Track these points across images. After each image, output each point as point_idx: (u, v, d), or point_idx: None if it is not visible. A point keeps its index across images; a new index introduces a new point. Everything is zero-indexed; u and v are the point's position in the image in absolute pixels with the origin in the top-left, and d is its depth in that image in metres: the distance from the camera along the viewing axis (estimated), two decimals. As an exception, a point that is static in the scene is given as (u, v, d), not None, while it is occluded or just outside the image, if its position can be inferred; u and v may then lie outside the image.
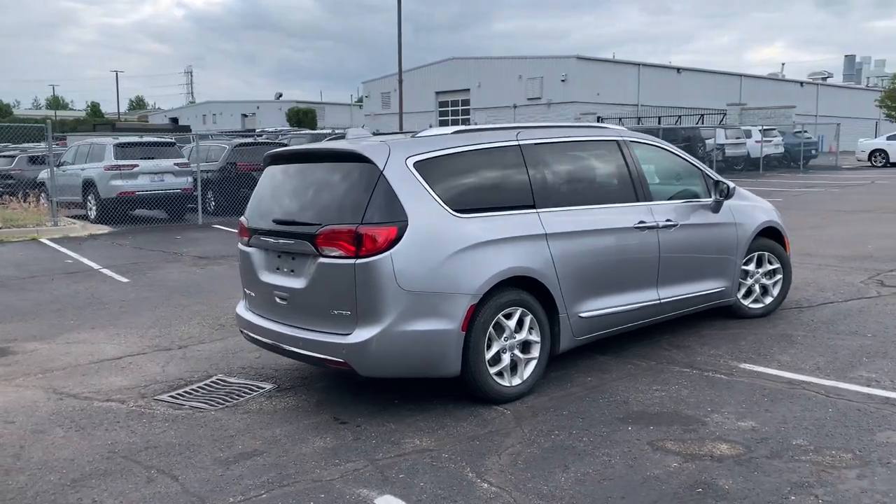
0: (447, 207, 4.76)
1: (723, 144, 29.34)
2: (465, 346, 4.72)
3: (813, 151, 34.36)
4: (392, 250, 4.49)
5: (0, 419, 5.04)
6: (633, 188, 5.89)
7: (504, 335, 4.94)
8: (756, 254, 6.88)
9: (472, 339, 4.73)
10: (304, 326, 4.85)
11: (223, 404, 5.24)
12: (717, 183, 6.48)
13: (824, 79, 68.47)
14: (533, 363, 5.09)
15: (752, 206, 6.89)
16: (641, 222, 5.75)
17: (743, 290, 6.88)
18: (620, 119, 41.07)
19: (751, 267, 6.90)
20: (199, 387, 5.68)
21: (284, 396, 5.33)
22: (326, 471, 4.05)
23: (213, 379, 5.83)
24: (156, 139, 18.20)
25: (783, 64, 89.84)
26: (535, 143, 5.44)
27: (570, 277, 5.23)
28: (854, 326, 6.54)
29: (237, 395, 5.44)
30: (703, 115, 39.39)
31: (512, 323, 4.96)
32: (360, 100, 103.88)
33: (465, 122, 52.22)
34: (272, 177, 5.42)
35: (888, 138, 34.48)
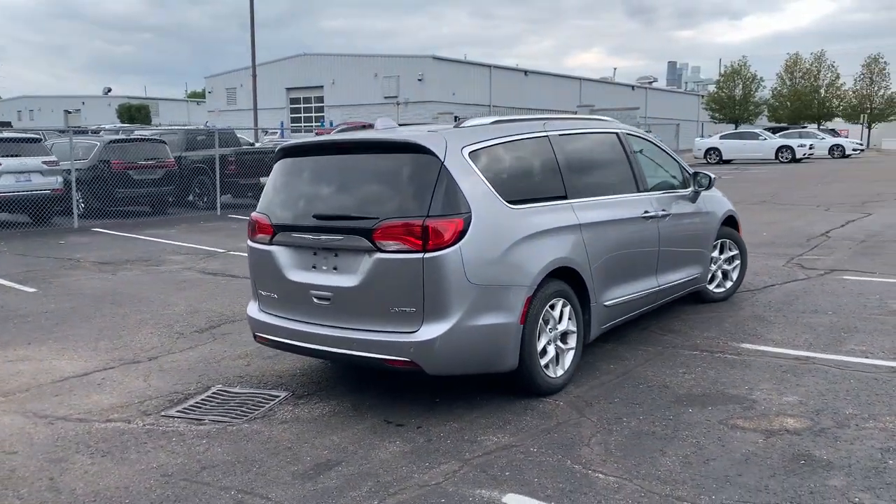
0: (501, 198, 4.68)
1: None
2: (522, 339, 4.66)
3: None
4: (460, 243, 4.35)
5: (0, 450, 4.38)
6: (635, 179, 6.08)
7: (549, 326, 4.93)
8: (719, 241, 7.31)
9: (527, 332, 4.68)
10: (355, 327, 4.58)
11: (246, 416, 4.84)
12: (695, 174, 6.82)
13: (650, 83, 73.64)
14: (571, 353, 5.12)
15: (716, 196, 7.31)
16: (646, 212, 5.94)
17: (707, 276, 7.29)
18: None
19: (715, 253, 7.31)
20: (202, 400, 5.21)
21: (310, 403, 5.01)
22: (425, 474, 3.86)
23: (214, 390, 5.38)
24: (20, 135, 16.44)
25: (615, 69, 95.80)
26: (560, 135, 5.47)
27: (599, 267, 5.31)
28: (810, 306, 7.11)
29: (254, 406, 5.05)
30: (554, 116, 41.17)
31: (556, 314, 4.96)
32: (193, 95, 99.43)
33: (319, 119, 51.40)
34: (297, 169, 5.07)
35: (721, 137, 37.77)
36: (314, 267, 4.80)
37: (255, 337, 5.28)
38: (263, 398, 5.20)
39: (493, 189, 4.64)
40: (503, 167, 4.87)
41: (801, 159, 35.23)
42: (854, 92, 54.06)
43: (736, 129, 45.14)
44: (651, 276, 6.05)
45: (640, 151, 6.53)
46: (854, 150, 39.85)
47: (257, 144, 24.45)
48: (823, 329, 6.27)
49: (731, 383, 5.05)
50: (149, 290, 8.92)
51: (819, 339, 6.00)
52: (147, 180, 16.81)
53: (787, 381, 5.05)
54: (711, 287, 7.32)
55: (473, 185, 4.53)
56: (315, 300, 4.75)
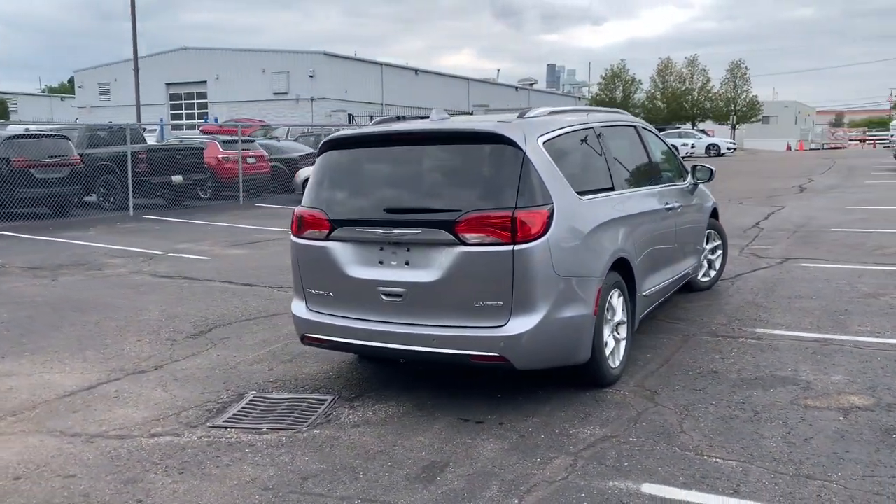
0: (572, 188, 4.65)
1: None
2: (595, 331, 4.66)
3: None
4: (547, 234, 4.29)
5: (50, 474, 3.91)
6: (654, 172, 6.21)
7: (608, 317, 4.95)
8: (707, 231, 7.60)
9: (598, 323, 4.68)
10: (434, 323, 4.42)
11: (304, 422, 4.57)
12: (694, 167, 7.05)
13: (531, 84, 75.67)
14: (623, 343, 5.16)
15: (704, 189, 7.59)
16: (667, 204, 6.09)
17: (695, 266, 7.56)
18: (372, 117, 41.76)
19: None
20: (244, 408, 4.88)
21: (367, 406, 4.79)
22: (544, 470, 3.78)
23: (251, 398, 5.05)
24: None
25: (498, 70, 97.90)
26: (602, 126, 5.50)
27: (641, 257, 5.39)
28: (791, 292, 7.51)
29: (305, 412, 4.77)
30: (452, 115, 41.48)
31: (615, 304, 4.99)
32: (51, 90, 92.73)
33: (202, 115, 49.37)
34: (353, 162, 4.84)
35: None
36: (381, 263, 4.59)
37: (302, 338, 4.99)
38: (311, 403, 4.93)
39: (565, 179, 4.61)
40: (569, 158, 4.85)
41: (683, 157, 37.25)
42: (720, 94, 57.68)
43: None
44: (670, 266, 6.21)
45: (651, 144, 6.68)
46: (728, 148, 42.62)
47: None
48: (820, 313, 6.64)
49: (773, 366, 5.25)
50: (108, 295, 8.26)
51: (822, 322, 6.35)
52: (51, 179, 15.57)
53: (821, 362, 5.31)
54: (699, 276, 7.60)
55: (552, 175, 4.48)
56: (383, 297, 4.54)
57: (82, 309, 7.62)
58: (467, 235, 4.29)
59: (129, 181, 16.38)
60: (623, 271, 5.13)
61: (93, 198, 17.56)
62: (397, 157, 4.75)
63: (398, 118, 5.72)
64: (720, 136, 51.16)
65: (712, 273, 7.79)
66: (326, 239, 4.75)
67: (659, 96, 58.50)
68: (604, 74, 56.07)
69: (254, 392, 5.18)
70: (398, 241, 4.49)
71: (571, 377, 4.88)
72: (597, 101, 55.02)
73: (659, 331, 6.24)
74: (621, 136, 5.95)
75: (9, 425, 4.65)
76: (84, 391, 5.26)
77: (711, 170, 7.07)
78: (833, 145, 63.76)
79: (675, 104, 54.52)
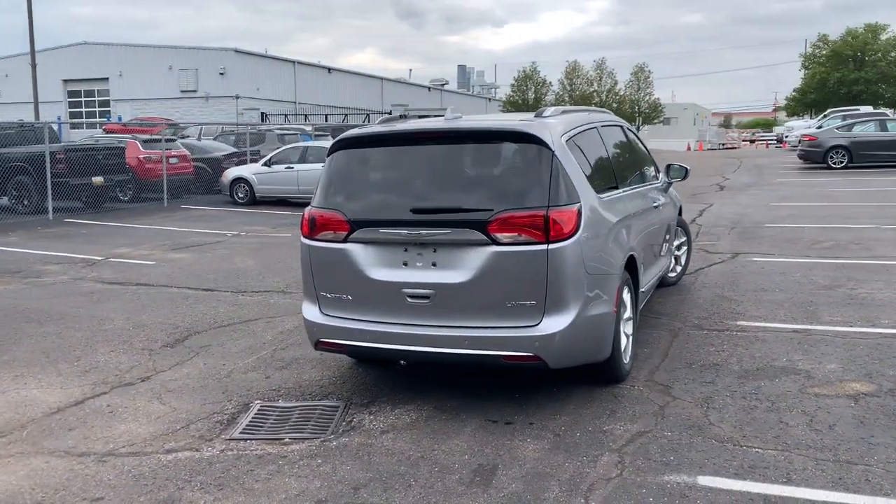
0: (592, 187, 4.69)
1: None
2: (615, 328, 4.72)
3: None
4: (578, 233, 4.31)
5: (74, 498, 3.64)
6: (641, 170, 6.35)
7: (622, 314, 5.02)
8: (674, 228, 7.83)
9: (617, 320, 4.75)
10: (464, 324, 4.36)
11: (326, 430, 4.44)
12: (668, 166, 7.24)
13: (443, 85, 76.05)
14: (630, 339, 5.25)
15: (672, 188, 7.81)
16: (655, 202, 6.24)
17: (663, 262, 7.78)
18: (286, 116, 40.95)
19: (670, 241, 7.82)
20: (255, 418, 4.70)
21: (387, 411, 4.69)
22: (595, 468, 3.79)
23: (259, 408, 4.86)
24: None
25: (410, 70, 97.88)
26: (602, 125, 5.57)
27: (641, 255, 5.50)
28: (754, 285, 7.83)
29: (322, 419, 4.64)
30: (368, 115, 41.19)
31: (626, 301, 5.07)
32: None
33: (104, 114, 47.15)
34: (371, 161, 4.73)
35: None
36: (405, 264, 4.49)
37: (316, 344, 4.83)
38: (324, 410, 4.78)
39: (586, 178, 4.65)
40: (585, 157, 4.89)
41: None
42: (625, 97, 59.58)
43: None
44: (657, 262, 6.37)
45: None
46: (638, 148, 44.04)
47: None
48: (789, 305, 6.95)
49: (768, 357, 5.46)
50: (60, 304, 7.77)
51: (795, 313, 6.65)
52: (-40, 181, 14.49)
53: (810, 351, 5.56)
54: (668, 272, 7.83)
55: (577, 174, 4.51)
56: (409, 299, 4.45)
57: (37, 320, 7.13)
58: (500, 235, 4.26)
59: (49, 183, 15.44)
60: (629, 268, 5.22)
61: (4, 200, 16.46)
62: (420, 157, 4.66)
63: (401, 116, 5.61)
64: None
65: (678, 268, 8.03)
66: (345, 241, 4.61)
67: (567, 98, 59.84)
68: (516, 76, 57.01)
69: (259, 401, 4.98)
70: (424, 241, 4.41)
71: (587, 375, 4.92)
72: (510, 103, 55.80)
73: (645, 326, 6.37)
74: (615, 135, 6.05)
75: (2, 447, 4.30)
76: (73, 407, 4.93)
77: (686, 169, 7.29)
78: (729, 145, 66.87)
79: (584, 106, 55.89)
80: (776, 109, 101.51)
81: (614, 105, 56.40)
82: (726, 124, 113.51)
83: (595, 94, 57.40)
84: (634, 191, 5.79)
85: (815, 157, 23.87)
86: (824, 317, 6.49)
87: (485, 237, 4.28)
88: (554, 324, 4.27)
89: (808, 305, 6.90)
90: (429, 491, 3.62)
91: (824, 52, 51.77)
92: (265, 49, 50.22)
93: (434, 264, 4.43)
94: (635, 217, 5.47)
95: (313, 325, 4.79)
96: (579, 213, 4.34)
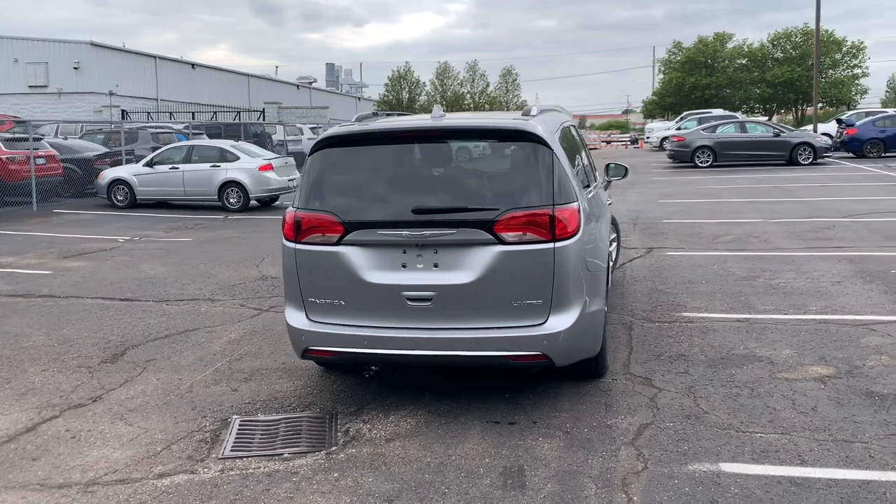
0: (579, 185, 4.73)
1: (284, 140, 30.47)
2: (604, 323, 4.80)
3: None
4: (580, 231, 4.34)
5: (79, 536, 3.26)
6: (592, 169, 6.49)
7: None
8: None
9: (605, 315, 4.83)
10: (468, 326, 4.29)
11: (324, 443, 4.25)
12: (607, 165, 7.45)
13: (311, 83, 74.79)
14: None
15: None
16: (608, 199, 6.40)
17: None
18: (149, 114, 38.83)
19: (603, 237, 8.06)
20: (241, 434, 4.43)
21: (378, 418, 4.54)
22: (618, 462, 3.84)
23: (239, 422, 4.59)
24: None
25: (277, 67, 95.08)
26: (569, 124, 5.64)
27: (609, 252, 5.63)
28: (679, 278, 8.21)
29: (314, 431, 4.44)
30: (239, 113, 39.86)
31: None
32: None
33: (-62, 111, 42.77)
34: (363, 160, 4.54)
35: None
36: (404, 266, 4.36)
37: (303, 352, 4.59)
38: (311, 421, 4.57)
39: (575, 176, 4.69)
40: (567, 155, 4.93)
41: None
42: (495, 98, 61.13)
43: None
44: (611, 257, 6.53)
45: None
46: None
47: None
48: (721, 296, 7.34)
49: (726, 346, 5.73)
50: (-41, 320, 6.96)
51: (731, 304, 7.02)
52: None
53: (762, 339, 5.89)
54: (601, 268, 8.06)
55: (571, 172, 4.54)
56: (409, 302, 4.32)
57: (-61, 339, 6.37)
58: (506, 234, 4.22)
59: None
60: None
61: None
62: (414, 156, 4.53)
63: (374, 115, 5.44)
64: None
65: (610, 263, 8.29)
66: (338, 243, 4.41)
67: (439, 99, 60.57)
68: (390, 76, 57.08)
69: (237, 416, 4.69)
70: (426, 242, 4.30)
71: (571, 371, 4.96)
72: (384, 103, 55.70)
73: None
74: (577, 134, 6.15)
75: (-40, 485, 3.80)
76: (26, 434, 4.44)
77: (626, 168, 7.53)
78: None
79: (458, 107, 56.87)
80: (626, 112, 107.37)
81: (486, 106, 57.65)
82: (582, 126, 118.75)
83: (469, 94, 58.42)
84: (597, 189, 5.92)
85: (684, 156, 25.41)
86: (758, 306, 6.91)
87: (491, 237, 4.22)
88: (560, 322, 4.28)
89: (739, 296, 7.31)
90: (466, 497, 3.53)
91: (679, 59, 55.33)
92: (123, 43, 47.38)
93: (436, 265, 4.33)
94: (603, 214, 5.60)
95: (301, 333, 4.55)
96: (579, 211, 4.37)
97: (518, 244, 4.23)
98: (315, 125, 35.39)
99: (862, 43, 51.89)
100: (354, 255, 4.39)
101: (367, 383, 5.13)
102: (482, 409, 4.61)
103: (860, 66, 51.18)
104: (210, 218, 15.00)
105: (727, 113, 38.85)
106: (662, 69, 57.31)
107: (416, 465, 3.89)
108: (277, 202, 17.32)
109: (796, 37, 51.19)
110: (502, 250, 4.23)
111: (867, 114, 31.10)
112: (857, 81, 51.80)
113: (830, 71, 50.14)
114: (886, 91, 73.36)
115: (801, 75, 48.51)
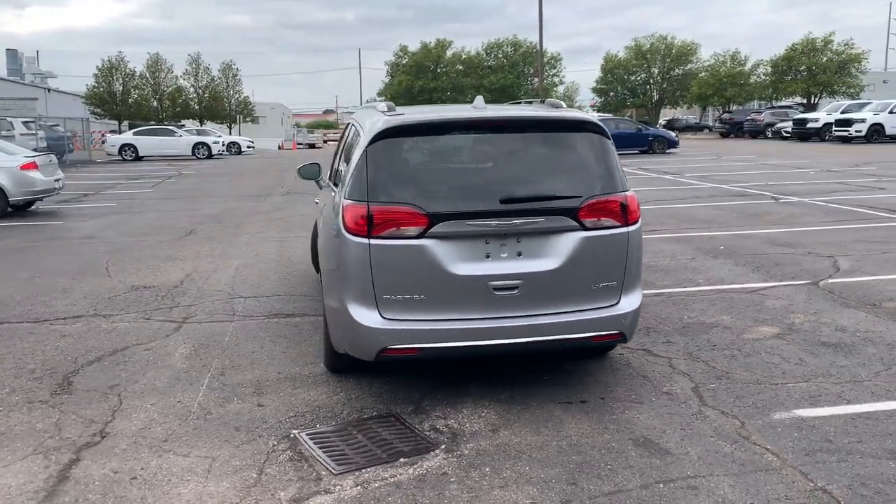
0: None
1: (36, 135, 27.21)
2: None
3: (70, 146, 33.69)
4: (640, 216, 4.66)
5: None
6: None
7: None
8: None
9: None
10: (552, 311, 4.40)
11: (428, 445, 4.11)
12: None
13: (-12, 71, 65.11)
14: None
15: None
16: None
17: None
18: None
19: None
20: (326, 450, 4.10)
21: (450, 415, 4.48)
22: (717, 422, 4.25)
23: (308, 438, 4.24)
24: None
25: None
26: None
27: None
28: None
29: (400, 435, 4.25)
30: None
31: None
32: None
33: None
34: (435, 151, 4.40)
35: (135, 134, 36.93)
36: (488, 256, 4.33)
37: (378, 353, 4.32)
38: (382, 425, 4.36)
39: None
40: None
41: (215, 155, 37.13)
42: (220, 93, 58.28)
43: (131, 127, 44.08)
44: None
45: None
46: (248, 146, 43.60)
47: None
48: (645, 273, 8.10)
49: (674, 318, 6.41)
50: None
51: (667, 279, 7.69)
52: None
53: (693, 309, 6.68)
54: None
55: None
56: (496, 292, 4.31)
57: None
58: (588, 220, 4.41)
59: None
60: None
61: None
62: (484, 146, 4.49)
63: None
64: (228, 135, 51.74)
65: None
66: (421, 236, 4.24)
67: (151, 92, 56.21)
68: (100, 66, 51.46)
69: (295, 431, 4.29)
70: (510, 232, 4.32)
71: (583, 349, 5.24)
72: (95, 95, 50.36)
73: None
74: None
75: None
76: (62, 484, 3.69)
77: None
78: (318, 145, 69.97)
79: (168, 103, 53.16)
80: (326, 112, 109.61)
81: (212, 102, 54.89)
82: (299, 125, 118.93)
83: (193, 88, 55.08)
84: None
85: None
86: (657, 282, 7.77)
87: (575, 223, 4.38)
88: (630, 301, 4.58)
89: (654, 272, 8.11)
90: (634, 469, 3.70)
91: (406, 62, 57.73)
92: None
93: (519, 254, 4.37)
94: None
95: (378, 333, 4.29)
96: (636, 198, 4.70)
97: (598, 229, 4.44)
98: (29, 119, 31.17)
99: (559, 54, 58.71)
100: (438, 248, 4.27)
101: (395, 382, 4.96)
102: (541, 394, 4.74)
103: (558, 76, 57.91)
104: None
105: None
106: (390, 71, 59.38)
107: (552, 449, 3.95)
108: (33, 206, 15.15)
109: (507, 47, 56.34)
110: (585, 236, 4.42)
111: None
112: (555, 88, 58.47)
113: (536, 79, 55.94)
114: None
115: (513, 82, 53.55)
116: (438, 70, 56.37)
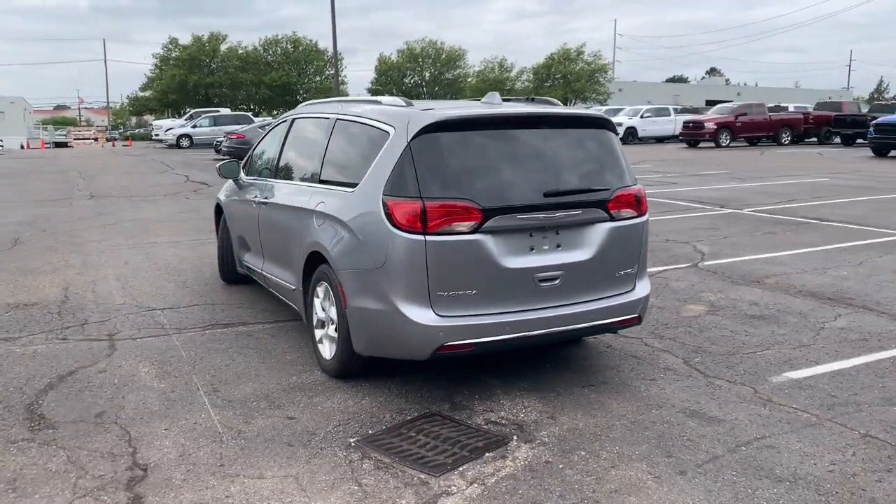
0: None
1: None
2: None
3: None
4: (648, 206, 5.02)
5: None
6: None
7: None
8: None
9: None
10: (585, 299, 4.62)
11: (498, 440, 4.15)
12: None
13: None
14: None
15: None
16: None
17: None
18: None
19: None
20: (396, 454, 3.99)
21: (503, 407, 4.54)
22: (732, 389, 4.72)
23: (374, 444, 4.08)
24: None
25: None
26: None
27: None
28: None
29: (461, 433, 4.24)
30: None
31: None
32: None
33: None
34: (480, 146, 4.39)
35: None
36: (532, 249, 4.44)
37: (435, 351, 4.24)
38: (437, 424, 4.31)
39: None
40: None
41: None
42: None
43: None
44: None
45: None
46: (-3, 146, 38.52)
47: None
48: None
49: (609, 302, 6.93)
50: None
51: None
52: None
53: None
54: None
55: None
56: (542, 283, 4.43)
57: None
58: (615, 212, 4.67)
59: None
60: None
61: None
62: (519, 141, 4.54)
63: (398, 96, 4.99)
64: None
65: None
66: (475, 231, 4.23)
67: None
68: None
69: (352, 439, 4.10)
70: (550, 224, 4.46)
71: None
72: None
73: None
74: None
75: None
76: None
77: None
78: (70, 144, 63.66)
79: None
80: (58, 108, 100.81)
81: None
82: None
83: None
84: None
85: (243, 153, 25.72)
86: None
87: (606, 214, 4.64)
88: (644, 286, 4.94)
89: None
90: (705, 438, 4.02)
91: (177, 55, 54.13)
92: None
93: (558, 246, 4.53)
94: None
95: (436, 331, 4.21)
96: (643, 190, 5.06)
97: (622, 220, 4.73)
98: None
99: (341, 54, 58.58)
100: (490, 242, 4.31)
101: (410, 382, 4.89)
102: (556, 379, 4.93)
103: (340, 74, 57.63)
104: None
105: (236, 112, 39.91)
106: (160, 65, 55.37)
107: (621, 428, 4.16)
108: None
109: (287, 44, 55.15)
110: (613, 226, 4.68)
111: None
112: (342, 86, 58.29)
113: (318, 77, 55.48)
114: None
115: (296, 80, 52.54)
116: (213, 65, 53.76)
